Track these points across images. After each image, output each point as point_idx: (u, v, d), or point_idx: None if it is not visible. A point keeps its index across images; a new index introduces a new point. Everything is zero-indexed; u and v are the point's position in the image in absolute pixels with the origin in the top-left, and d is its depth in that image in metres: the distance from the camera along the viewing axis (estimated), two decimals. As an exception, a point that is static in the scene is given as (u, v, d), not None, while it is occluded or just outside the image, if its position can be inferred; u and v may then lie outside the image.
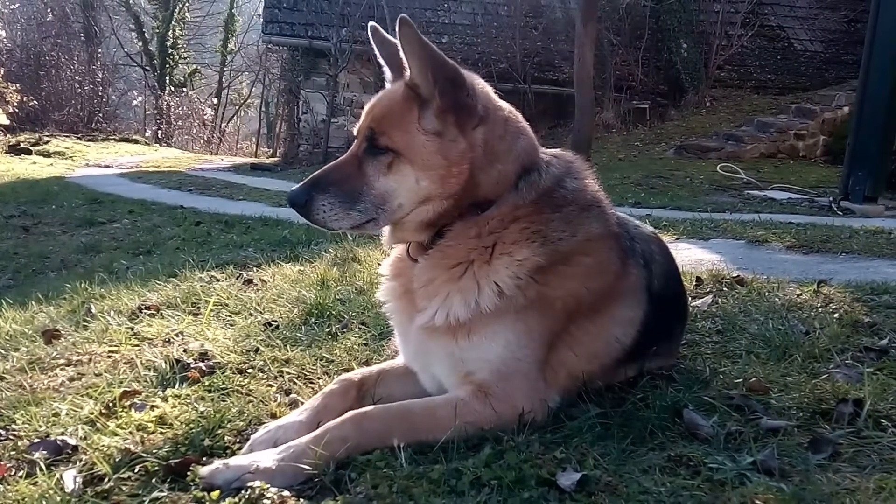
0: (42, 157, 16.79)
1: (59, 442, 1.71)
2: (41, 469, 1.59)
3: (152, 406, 1.92)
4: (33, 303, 3.35)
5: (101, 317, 2.88)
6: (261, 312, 2.95)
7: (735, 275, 3.36)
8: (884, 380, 1.99)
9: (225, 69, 36.45)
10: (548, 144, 2.03)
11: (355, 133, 1.85)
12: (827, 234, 4.78)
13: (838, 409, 1.81)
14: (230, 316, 2.89)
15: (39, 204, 9.13)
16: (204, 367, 2.23)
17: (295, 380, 2.20)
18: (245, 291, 3.32)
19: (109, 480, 1.54)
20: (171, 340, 2.56)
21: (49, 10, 28.03)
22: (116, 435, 1.75)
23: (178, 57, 33.27)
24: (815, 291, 3.01)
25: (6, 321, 2.96)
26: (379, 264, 2.24)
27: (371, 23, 1.87)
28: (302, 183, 1.79)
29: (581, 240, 1.83)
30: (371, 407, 1.72)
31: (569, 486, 1.45)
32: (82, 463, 1.63)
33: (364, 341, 2.56)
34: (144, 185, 11.80)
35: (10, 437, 1.77)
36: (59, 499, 1.47)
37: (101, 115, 24.96)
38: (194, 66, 36.22)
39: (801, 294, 3.02)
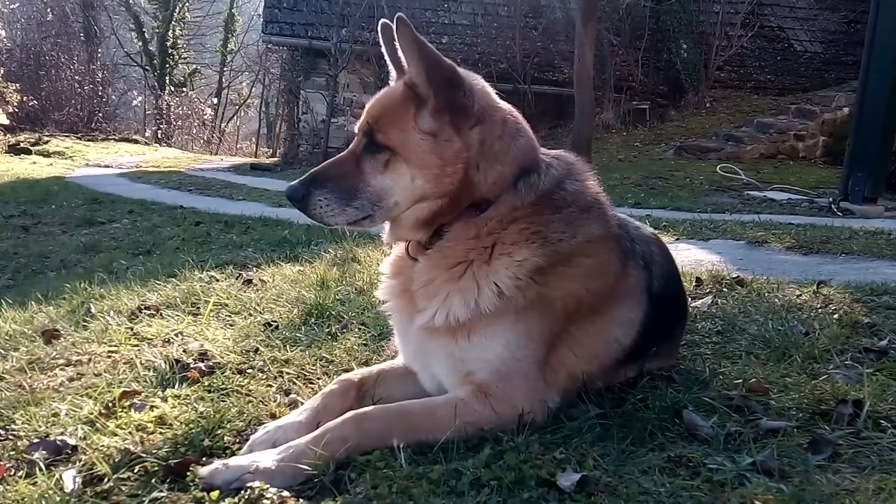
0: (42, 157, 16.79)
1: (58, 442, 1.71)
2: (41, 469, 1.59)
3: (152, 406, 1.92)
4: (33, 303, 3.35)
5: (101, 317, 2.88)
6: (260, 313, 2.95)
7: (735, 275, 3.36)
8: (883, 381, 1.99)
9: (225, 69, 36.47)
10: (547, 145, 2.03)
11: (356, 131, 1.86)
12: (827, 234, 4.78)
13: (838, 409, 1.81)
14: (230, 316, 2.89)
15: (39, 204, 9.13)
16: (203, 368, 2.23)
17: (294, 380, 2.20)
18: (245, 291, 3.32)
19: (109, 480, 1.54)
20: (171, 340, 2.56)
21: (49, 10, 28.03)
22: (116, 435, 1.75)
23: (177, 57, 33.26)
24: (814, 292, 3.01)
25: (6, 321, 2.96)
26: (379, 265, 2.24)
27: (383, 20, 1.87)
28: (301, 178, 1.81)
29: (581, 241, 1.83)
30: (371, 407, 1.72)
31: (568, 486, 1.45)
32: (82, 463, 1.63)
33: (364, 342, 2.56)
34: (144, 185, 11.80)
35: (10, 437, 1.77)
36: (58, 499, 1.47)
37: (100, 114, 24.95)
38: (194, 66, 36.22)
39: (800, 295, 3.02)
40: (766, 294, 3.04)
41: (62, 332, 2.72)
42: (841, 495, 1.43)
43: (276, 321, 2.80)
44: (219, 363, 2.29)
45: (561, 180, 1.87)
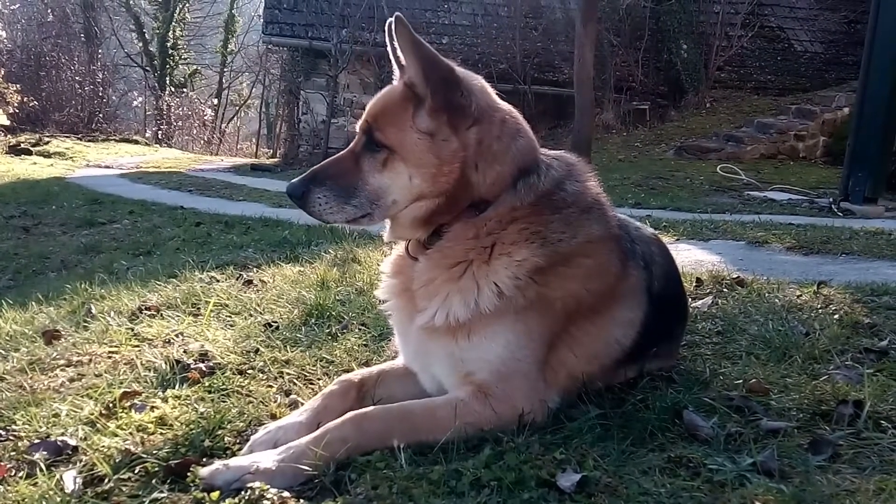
0: (42, 158, 16.81)
1: (59, 442, 1.71)
2: (41, 470, 1.59)
3: (152, 407, 1.92)
4: (33, 303, 3.35)
5: (102, 317, 2.88)
6: (261, 313, 2.95)
7: (735, 276, 3.36)
8: (884, 381, 1.99)
9: (225, 70, 36.47)
10: (547, 145, 2.03)
11: (357, 130, 1.87)
12: (827, 235, 4.78)
13: (838, 410, 1.81)
14: (230, 317, 2.89)
15: (40, 204, 9.13)
16: (204, 368, 2.23)
17: (295, 380, 2.20)
18: (245, 292, 3.32)
19: (109, 481, 1.54)
20: (172, 341, 2.56)
21: (49, 11, 28.04)
22: (116, 436, 1.75)
23: (178, 57, 33.27)
24: (815, 292, 3.01)
25: (6, 322, 2.97)
26: (379, 265, 2.24)
27: (389, 20, 1.87)
28: (301, 175, 1.83)
29: (581, 241, 1.83)
30: (371, 408, 1.72)
31: (569, 487, 1.45)
32: (82, 464, 1.63)
33: (364, 342, 2.56)
34: (144, 185, 11.81)
35: (11, 437, 1.77)
36: (59, 499, 1.47)
37: (101, 115, 24.97)
38: (194, 67, 36.24)
39: (801, 295, 3.02)
40: (767, 294, 3.04)
41: (63, 332, 2.72)
42: (841, 496, 1.43)
43: (276, 322, 2.80)
44: (219, 364, 2.29)
45: (561, 181, 1.87)
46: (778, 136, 13.51)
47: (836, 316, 2.65)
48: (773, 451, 1.60)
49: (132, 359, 2.33)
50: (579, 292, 1.82)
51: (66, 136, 20.75)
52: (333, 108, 16.67)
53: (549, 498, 1.43)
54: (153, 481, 1.54)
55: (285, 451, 1.56)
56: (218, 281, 3.59)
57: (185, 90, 33.25)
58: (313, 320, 2.82)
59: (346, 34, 15.87)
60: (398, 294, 1.94)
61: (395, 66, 1.93)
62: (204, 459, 1.64)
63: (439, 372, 1.82)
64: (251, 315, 2.92)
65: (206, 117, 32.98)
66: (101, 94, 25.30)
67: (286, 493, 1.45)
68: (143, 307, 3.02)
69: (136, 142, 24.39)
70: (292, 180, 1.82)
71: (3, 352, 2.52)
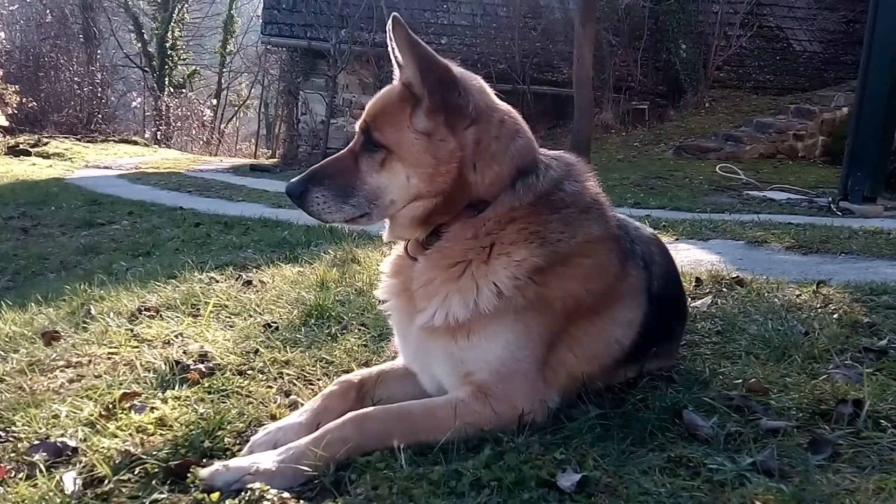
0: (41, 159, 16.80)
1: (58, 444, 1.71)
2: (41, 471, 1.59)
3: (152, 408, 1.92)
4: (33, 304, 3.35)
5: (101, 318, 2.88)
6: (260, 314, 2.95)
7: (734, 275, 3.36)
8: (883, 380, 1.99)
9: (224, 70, 36.46)
10: (547, 145, 2.03)
11: (356, 130, 1.87)
12: (826, 234, 4.79)
13: (838, 409, 1.81)
14: (230, 317, 2.89)
15: (39, 205, 9.13)
16: (203, 369, 2.23)
17: (295, 381, 2.20)
18: (244, 293, 3.32)
19: (109, 482, 1.54)
20: (171, 342, 2.56)
21: (48, 12, 28.03)
22: (116, 437, 1.75)
23: (177, 58, 33.28)
24: (814, 292, 3.01)
25: (6, 323, 2.97)
26: (378, 265, 2.24)
27: (392, 16, 1.87)
28: (300, 175, 1.84)
29: (580, 241, 1.83)
30: (371, 408, 1.72)
31: (569, 487, 1.45)
32: (82, 465, 1.63)
33: (364, 342, 2.56)
34: (144, 186, 11.80)
35: (10, 438, 1.77)
36: (58, 500, 1.47)
37: (100, 116, 24.96)
38: (193, 68, 36.25)
39: (800, 295, 3.02)
40: (766, 294, 3.04)
41: (62, 333, 2.72)
42: (841, 495, 1.43)
43: (275, 322, 2.80)
44: (219, 364, 2.29)
45: (560, 181, 1.87)
46: (777, 136, 13.51)
47: (835, 315, 2.65)
48: (772, 451, 1.60)
49: (132, 360, 2.33)
50: (579, 292, 1.82)
51: (65, 137, 20.74)
52: (332, 109, 16.67)
53: (550, 498, 1.43)
54: (153, 482, 1.54)
55: (285, 451, 1.56)
56: (217, 282, 3.59)
57: (183, 91, 33.26)
58: (313, 321, 2.82)
59: (345, 34, 15.87)
60: (398, 294, 1.94)
61: (395, 66, 1.93)
62: (204, 460, 1.64)
63: (439, 372, 1.82)
64: (251, 316, 2.92)
65: (205, 118, 32.97)
66: (99, 94, 25.29)
67: (286, 494, 1.45)
68: (142, 308, 3.02)
69: (135, 142, 24.38)
70: (291, 180, 1.83)
71: (2, 353, 2.52)
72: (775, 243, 4.59)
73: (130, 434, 1.76)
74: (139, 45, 34.06)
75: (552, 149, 2.04)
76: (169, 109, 30.02)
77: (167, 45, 32.21)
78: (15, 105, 19.51)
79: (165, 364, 2.25)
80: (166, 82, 32.20)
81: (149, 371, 2.22)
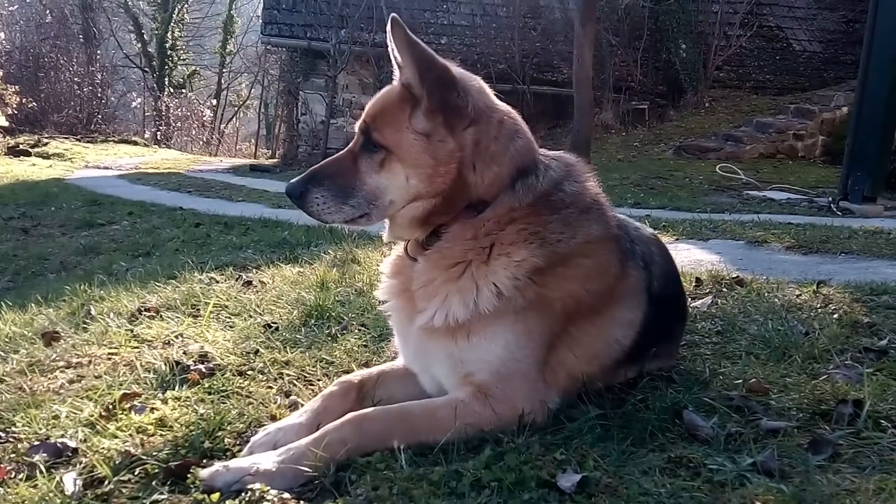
0: (41, 159, 16.80)
1: (59, 444, 1.71)
2: (41, 471, 1.59)
3: (152, 408, 1.92)
4: (33, 305, 3.35)
5: (101, 319, 2.88)
6: (260, 314, 2.95)
7: (734, 275, 3.36)
8: (883, 380, 1.99)
9: (224, 70, 36.46)
10: (546, 145, 2.03)
11: (356, 130, 1.87)
12: (826, 234, 4.79)
13: (838, 409, 1.81)
14: (230, 318, 2.89)
15: (39, 206, 9.13)
16: (204, 369, 2.23)
17: (295, 381, 2.20)
18: (244, 293, 3.32)
19: (109, 483, 1.54)
20: (171, 342, 2.56)
21: (48, 12, 28.04)
22: (116, 437, 1.75)
23: (177, 58, 33.29)
24: (814, 292, 3.01)
25: (6, 323, 2.97)
26: (378, 266, 2.24)
27: (391, 17, 1.87)
28: (300, 176, 1.85)
29: (580, 242, 1.83)
30: (371, 409, 1.72)
31: (569, 487, 1.45)
32: (82, 465, 1.63)
33: (364, 343, 2.56)
34: (144, 186, 11.80)
35: (10, 439, 1.77)
36: (59, 501, 1.48)
37: (100, 116, 24.96)
38: (193, 68, 36.26)
39: (800, 295, 3.02)
40: (766, 294, 3.04)
41: (62, 334, 2.72)
42: (841, 495, 1.43)
43: (276, 323, 2.80)
44: (219, 365, 2.29)
45: (560, 181, 1.87)
46: (777, 136, 13.52)
47: (835, 315, 2.65)
48: (773, 451, 1.60)
49: (132, 360, 2.33)
50: (579, 293, 1.82)
51: (65, 138, 20.74)
52: (332, 109, 16.67)
53: (550, 498, 1.43)
54: (153, 483, 1.54)
55: (285, 452, 1.56)
56: (217, 282, 3.59)
57: (183, 91, 33.25)
58: (313, 321, 2.82)
59: (345, 35, 15.86)
60: (398, 295, 1.94)
61: (394, 67, 1.93)
62: (204, 461, 1.64)
63: (439, 373, 1.82)
64: (251, 316, 2.92)
65: (204, 118, 32.97)
66: (99, 95, 25.29)
67: (286, 495, 1.45)
68: (142, 308, 3.02)
69: (135, 143, 24.37)
70: (291, 180, 1.84)
71: (2, 353, 2.52)
72: (775, 243, 4.58)
73: (131, 435, 1.76)
74: (139, 45, 34.06)
75: (552, 149, 2.04)
76: (169, 110, 30.02)
77: (167, 45, 32.22)
78: (15, 105, 19.53)
79: (165, 364, 2.25)
80: (166, 82, 32.21)
81: (149, 371, 2.22)
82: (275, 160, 20.29)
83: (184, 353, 2.40)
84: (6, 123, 18.53)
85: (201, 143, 31.21)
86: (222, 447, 1.72)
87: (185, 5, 33.90)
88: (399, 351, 2.03)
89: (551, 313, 1.79)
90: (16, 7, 27.33)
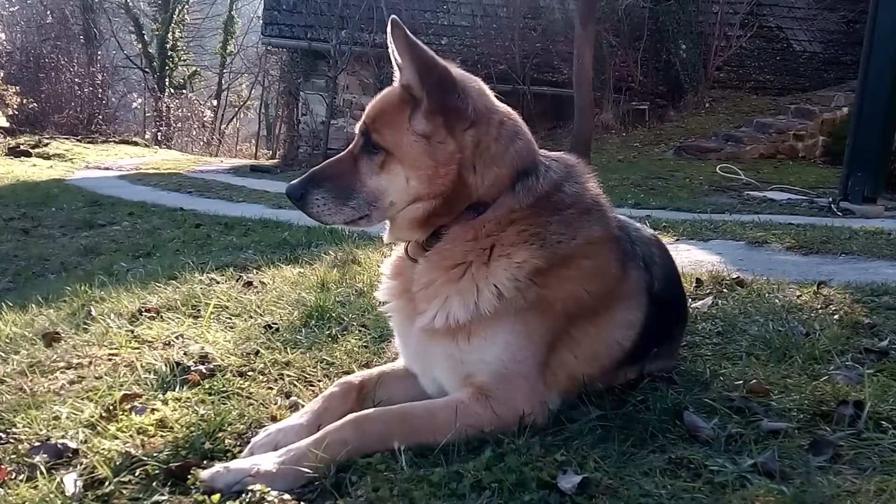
0: (42, 160, 16.79)
1: (59, 445, 1.71)
2: (42, 472, 1.59)
3: (152, 409, 1.92)
4: (33, 305, 3.35)
5: (101, 319, 2.88)
6: (261, 315, 2.95)
7: (735, 276, 3.36)
8: (884, 381, 1.99)
9: (224, 71, 36.47)
10: (547, 146, 2.03)
11: (356, 131, 1.87)
12: (826, 235, 4.78)
13: (839, 410, 1.81)
14: (230, 318, 2.89)
15: (39, 206, 9.13)
16: (204, 370, 2.23)
17: (295, 382, 2.20)
18: (245, 294, 3.32)
19: (110, 484, 1.54)
20: (172, 343, 2.56)
21: (49, 13, 28.06)
22: (117, 438, 1.75)
23: (177, 59, 33.29)
24: (815, 293, 3.01)
25: (6, 324, 2.97)
26: (379, 266, 2.24)
27: (391, 19, 1.87)
28: (301, 177, 1.85)
29: (581, 243, 1.83)
30: (371, 410, 1.72)
31: (569, 488, 1.45)
32: (83, 466, 1.63)
33: (364, 344, 2.56)
34: (144, 187, 11.80)
35: (11, 440, 1.77)
36: (59, 502, 1.48)
37: (100, 117, 24.95)
38: (194, 68, 36.25)
39: (801, 295, 3.02)
40: (767, 295, 3.04)
41: (63, 334, 2.72)
42: (842, 497, 1.43)
43: (276, 323, 2.80)
44: (219, 366, 2.29)
45: (560, 182, 1.87)
46: (777, 136, 13.52)
47: (836, 316, 2.65)
48: (773, 452, 1.60)
49: (132, 361, 2.33)
50: (579, 294, 1.82)
51: (66, 138, 20.72)
52: (333, 109, 16.67)
53: (550, 499, 1.43)
54: (153, 484, 1.54)
55: (286, 453, 1.56)
56: (218, 283, 3.59)
57: (184, 91, 33.24)
58: (313, 322, 2.82)
59: (346, 35, 15.87)
60: (398, 296, 1.94)
61: (395, 68, 1.93)
62: (204, 462, 1.64)
63: (439, 374, 1.82)
64: (251, 317, 2.92)
65: (205, 119, 32.97)
66: (100, 95, 25.28)
67: (287, 496, 1.45)
68: (142, 309, 3.02)
69: (136, 143, 24.36)
70: (291, 182, 1.84)
71: (3, 354, 2.52)
72: (776, 244, 4.58)
73: (131, 435, 1.76)
74: (140, 46, 34.07)
75: (552, 149, 2.04)
76: (169, 110, 30.02)
77: (168, 46, 32.23)
78: (15, 106, 19.53)
79: (166, 365, 2.25)
80: (167, 83, 32.21)
81: (149, 372, 2.22)
82: (275, 161, 20.29)
83: (184, 353, 2.40)
84: (7, 124, 18.55)
85: (202, 143, 31.21)
86: (223, 448, 1.72)
87: (186, 6, 33.92)
88: (399, 352, 2.03)
89: (552, 314, 1.79)
90: (17, 8, 27.34)
